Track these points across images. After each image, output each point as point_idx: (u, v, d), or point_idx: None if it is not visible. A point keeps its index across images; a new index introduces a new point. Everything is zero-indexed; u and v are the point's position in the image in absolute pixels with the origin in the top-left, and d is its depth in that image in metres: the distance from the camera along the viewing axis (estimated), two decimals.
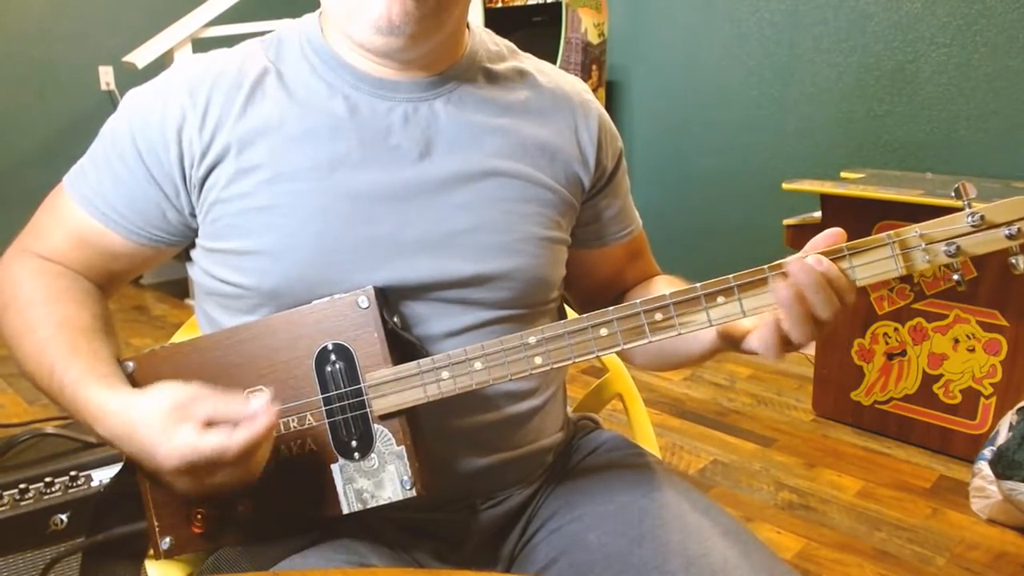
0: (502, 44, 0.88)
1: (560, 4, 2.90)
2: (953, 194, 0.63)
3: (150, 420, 0.65)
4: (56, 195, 0.81)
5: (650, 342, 0.66)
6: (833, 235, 0.65)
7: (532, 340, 0.67)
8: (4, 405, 2.46)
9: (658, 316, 0.66)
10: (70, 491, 1.27)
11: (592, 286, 0.92)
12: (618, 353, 0.92)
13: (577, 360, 0.68)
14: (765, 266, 0.65)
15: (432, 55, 0.78)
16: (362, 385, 0.70)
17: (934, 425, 2.18)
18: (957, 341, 2.10)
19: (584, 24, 2.96)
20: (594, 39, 3.00)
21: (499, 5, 3.08)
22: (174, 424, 0.64)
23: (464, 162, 0.78)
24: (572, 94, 0.87)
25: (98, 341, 0.75)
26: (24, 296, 0.77)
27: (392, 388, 0.70)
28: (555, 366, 0.68)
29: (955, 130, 2.48)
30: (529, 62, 0.88)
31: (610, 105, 3.26)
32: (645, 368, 0.96)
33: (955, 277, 0.64)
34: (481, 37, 0.86)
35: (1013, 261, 0.62)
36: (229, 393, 0.67)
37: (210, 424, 0.64)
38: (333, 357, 0.71)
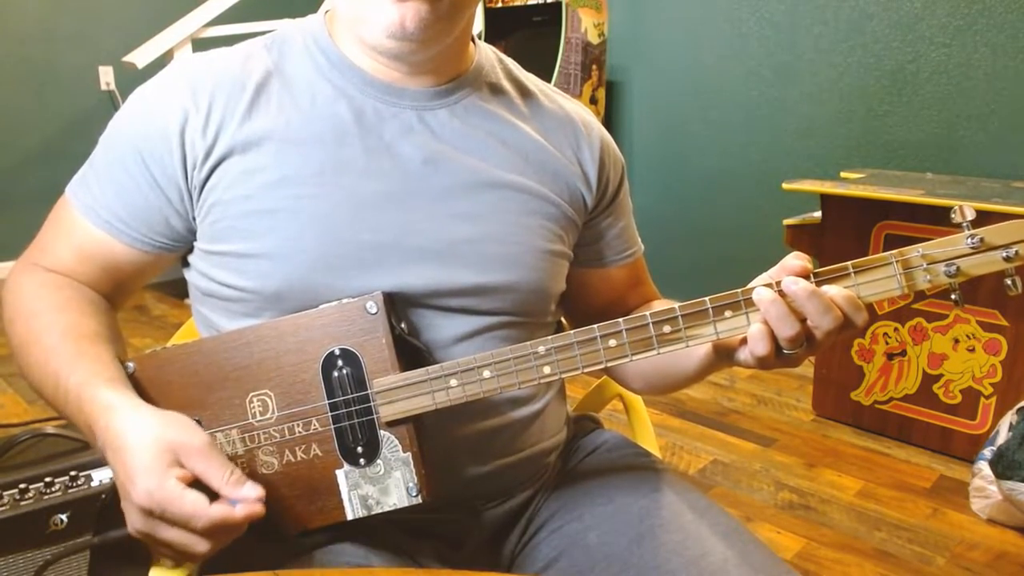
0: (508, 62, 0.89)
1: (560, 4, 2.90)
2: (953, 215, 0.64)
3: (141, 449, 0.63)
4: (60, 206, 0.81)
5: (658, 353, 0.67)
6: (799, 267, 0.65)
7: (541, 349, 0.67)
8: (4, 405, 2.46)
9: (666, 328, 0.66)
10: (70, 491, 1.27)
11: (592, 308, 0.92)
12: (616, 378, 0.93)
13: (585, 370, 0.68)
14: (772, 280, 0.65)
15: (440, 58, 0.78)
16: (369, 391, 0.70)
17: (934, 425, 2.18)
18: (957, 341, 2.10)
19: (584, 24, 2.96)
20: (594, 39, 3.00)
21: (499, 5, 3.08)
22: (164, 466, 0.62)
23: (469, 172, 0.78)
24: (574, 115, 0.87)
25: (103, 347, 0.74)
26: (29, 307, 0.77)
27: (400, 395, 0.69)
28: (564, 375, 0.68)
29: (955, 130, 2.48)
30: (533, 82, 0.88)
31: (610, 105, 3.27)
32: (642, 392, 0.96)
33: (953, 297, 0.65)
34: (487, 54, 0.86)
35: (1009, 282, 0.64)
36: (225, 461, 0.65)
37: (196, 481, 0.63)
38: (340, 362, 0.70)
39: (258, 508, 0.63)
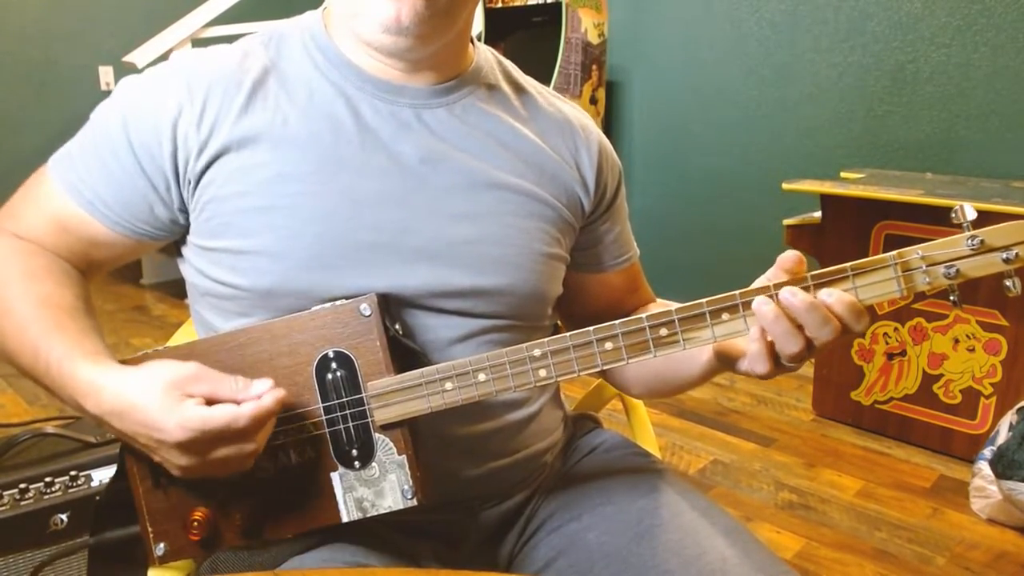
0: (507, 64, 0.88)
1: (560, 4, 2.90)
2: (953, 215, 0.63)
3: (149, 397, 0.64)
4: (39, 177, 0.80)
5: (654, 356, 0.66)
6: (794, 260, 0.65)
7: (537, 353, 0.67)
8: (4, 405, 2.46)
9: (663, 331, 0.65)
10: (70, 491, 1.27)
11: (589, 313, 0.92)
12: (615, 384, 0.92)
13: (581, 373, 0.68)
14: (770, 284, 0.65)
15: (439, 56, 0.78)
16: (363, 394, 0.70)
17: (934, 425, 2.18)
18: (957, 341, 2.10)
19: (584, 24, 2.95)
20: (594, 39, 3.00)
21: (499, 5, 3.08)
22: (175, 401, 0.63)
23: (467, 172, 0.77)
24: (572, 119, 0.87)
25: (83, 320, 0.73)
26: (0, 274, 0.75)
27: (395, 398, 0.69)
28: (560, 378, 0.68)
29: (955, 130, 2.48)
30: (532, 85, 0.88)
31: (610, 105, 3.26)
32: (642, 398, 0.96)
33: (952, 298, 0.65)
34: (487, 55, 0.86)
35: (1008, 284, 0.63)
36: (224, 375, 0.66)
37: (210, 402, 0.64)
38: (334, 365, 0.70)
39: (280, 392, 0.66)
